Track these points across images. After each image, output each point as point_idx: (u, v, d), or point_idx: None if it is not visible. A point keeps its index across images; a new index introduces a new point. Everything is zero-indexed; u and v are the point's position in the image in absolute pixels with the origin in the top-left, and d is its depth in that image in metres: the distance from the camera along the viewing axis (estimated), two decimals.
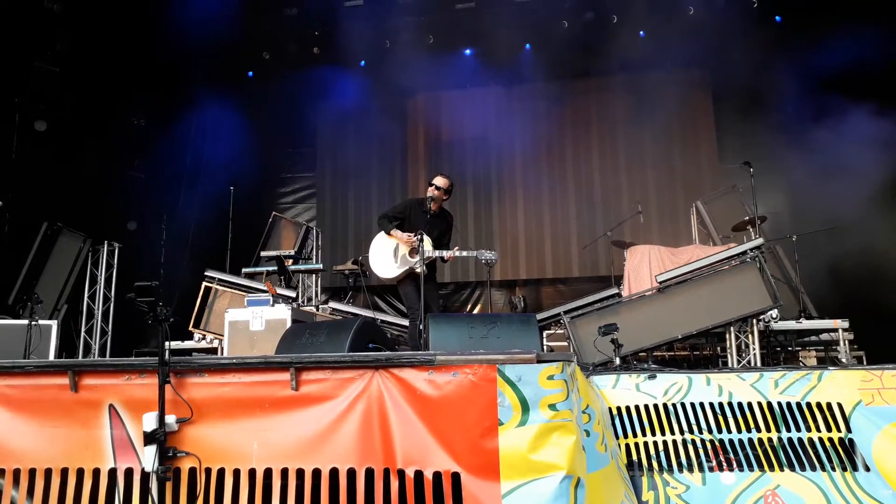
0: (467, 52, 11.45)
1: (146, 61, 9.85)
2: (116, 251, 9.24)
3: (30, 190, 8.41)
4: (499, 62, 11.03)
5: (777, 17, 10.04)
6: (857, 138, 8.49)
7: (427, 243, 5.91)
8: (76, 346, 8.73)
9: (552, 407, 3.01)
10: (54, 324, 7.21)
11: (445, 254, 5.92)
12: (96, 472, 3.31)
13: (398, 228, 6.19)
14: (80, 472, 3.32)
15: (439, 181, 6.19)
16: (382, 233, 6.27)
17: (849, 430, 3.69)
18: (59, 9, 8.82)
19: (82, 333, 8.85)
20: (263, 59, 11.33)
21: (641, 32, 10.47)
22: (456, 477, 3.00)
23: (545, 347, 6.95)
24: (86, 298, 8.99)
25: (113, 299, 9.14)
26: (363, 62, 11.55)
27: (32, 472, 3.35)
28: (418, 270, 5.82)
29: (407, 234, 6.05)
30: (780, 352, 7.37)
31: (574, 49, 10.41)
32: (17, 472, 3.36)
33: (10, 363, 3.58)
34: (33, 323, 6.81)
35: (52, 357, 6.94)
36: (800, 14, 9.65)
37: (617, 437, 3.76)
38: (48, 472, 3.34)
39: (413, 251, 5.92)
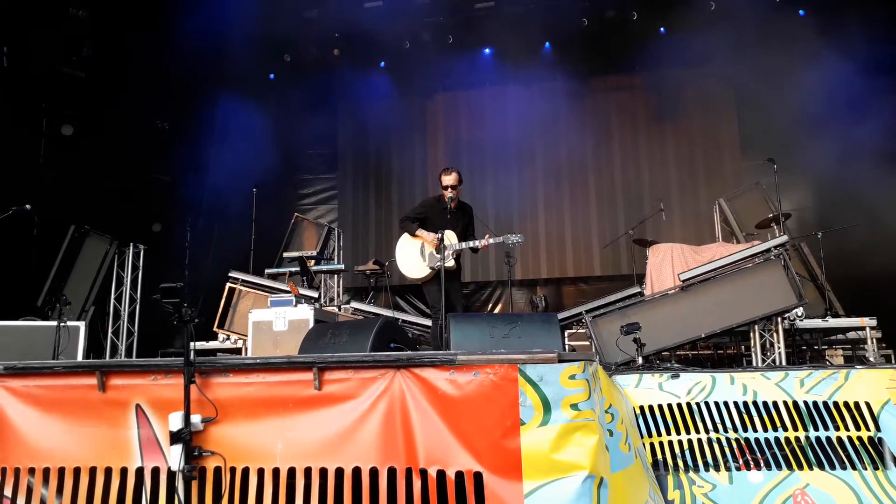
0: (487, 51, 11.46)
1: (170, 65, 9.97)
2: (142, 253, 9.38)
3: (57, 193, 8.54)
4: (518, 61, 11.00)
5: (801, 11, 9.90)
6: (883, 134, 8.35)
7: (453, 237, 5.97)
8: (103, 347, 8.87)
9: (574, 406, 3.00)
10: (82, 325, 7.32)
11: (479, 243, 5.96)
12: (124, 472, 3.36)
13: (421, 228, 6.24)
14: (108, 472, 3.37)
15: (447, 180, 6.18)
16: (406, 234, 6.30)
17: (878, 428, 3.63)
18: (85, 15, 8.96)
19: (109, 334, 8.99)
20: (284, 62, 11.42)
21: (662, 29, 10.40)
22: (478, 477, 3.00)
23: (567, 347, 6.92)
24: (112, 300, 9.12)
25: (139, 300, 9.27)
26: (383, 63, 11.63)
27: (62, 471, 3.41)
28: (449, 265, 5.88)
29: (432, 235, 6.07)
30: (806, 350, 7.28)
31: (594, 47, 10.37)
32: (46, 471, 3.42)
33: (39, 364, 3.65)
34: (62, 324, 6.91)
35: (80, 358, 7.04)
36: (824, 7, 9.51)
37: (641, 437, 3.74)
38: (77, 471, 3.39)
39: (443, 247, 5.94)
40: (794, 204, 9.38)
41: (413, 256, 6.22)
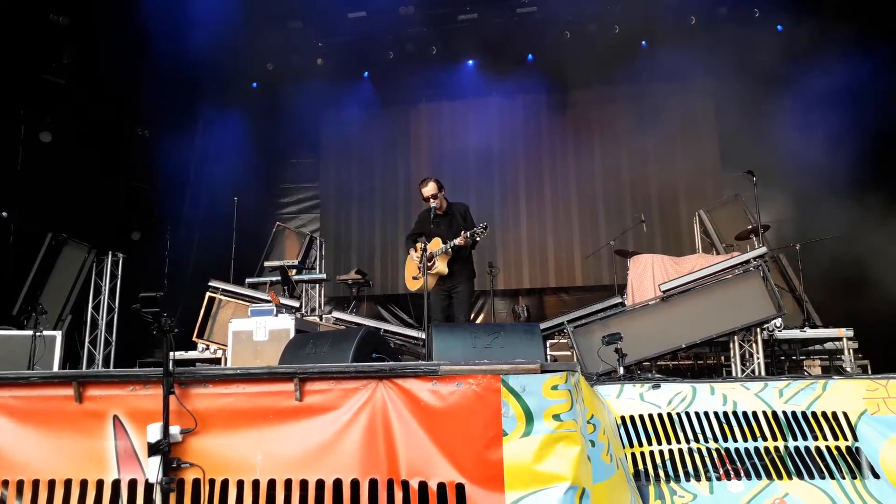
0: (470, 62, 11.52)
1: (151, 73, 9.90)
2: (121, 262, 9.25)
3: (35, 201, 8.43)
4: (501, 72, 11.08)
5: (779, 26, 10.06)
6: (859, 147, 8.49)
7: (439, 244, 6.08)
8: (80, 357, 8.73)
9: (556, 417, 3.00)
10: (59, 334, 7.21)
11: (456, 241, 6.02)
12: (100, 484, 3.31)
13: (420, 241, 6.36)
14: (84, 484, 3.32)
15: (424, 192, 6.27)
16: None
17: (855, 438, 3.67)
18: (66, 21, 8.88)
19: (86, 344, 8.85)
20: (268, 71, 11.40)
21: (643, 42, 10.51)
22: (460, 488, 2.99)
23: (549, 357, 6.93)
24: (90, 309, 8.99)
25: (117, 310, 9.15)
26: (366, 73, 11.65)
27: (36, 484, 3.35)
28: (436, 270, 6.03)
29: (416, 253, 6.20)
30: (785, 361, 7.34)
31: (576, 59, 10.44)
32: (20, 484, 3.36)
33: (14, 374, 3.59)
34: (38, 334, 6.81)
35: (56, 368, 6.93)
36: (801, 23, 9.67)
37: (622, 447, 3.75)
38: (52, 484, 3.34)
39: (430, 258, 6.06)
40: (773, 216, 9.49)
41: (411, 269, 6.36)
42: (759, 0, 9.85)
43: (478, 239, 6.07)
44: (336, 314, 7.89)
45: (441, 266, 6.08)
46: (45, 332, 6.94)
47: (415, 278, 6.21)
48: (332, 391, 3.23)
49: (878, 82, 8.76)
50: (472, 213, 6.54)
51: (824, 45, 9.16)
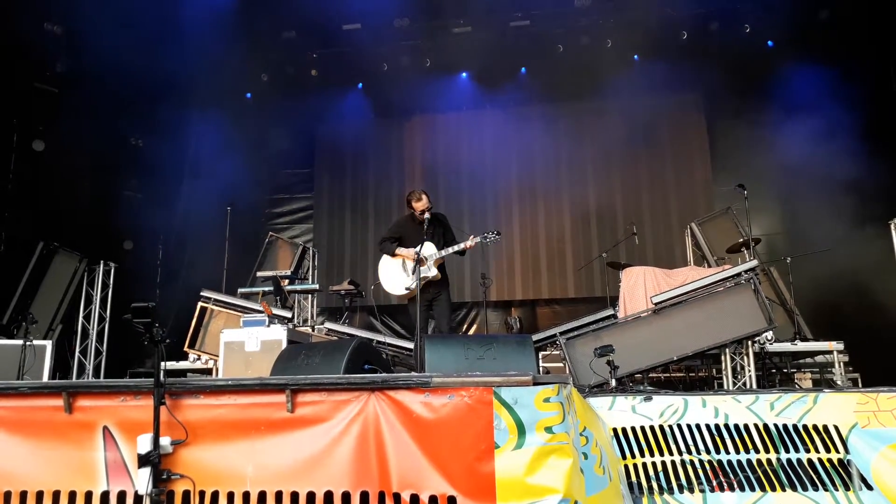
0: (464, 74, 11.56)
1: (145, 82, 9.89)
2: (112, 271, 9.20)
3: (26, 209, 8.39)
4: (495, 85, 11.13)
5: (769, 42, 10.15)
6: (850, 160, 8.56)
7: (431, 248, 6.08)
8: (70, 367, 8.67)
9: (548, 430, 3.00)
10: (49, 344, 7.17)
11: (465, 244, 6.02)
12: (88, 495, 3.28)
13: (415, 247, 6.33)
14: (73, 495, 3.29)
15: (419, 205, 6.26)
16: (385, 255, 6.32)
17: (847, 451, 3.69)
18: (60, 30, 8.88)
19: (77, 353, 8.78)
20: (262, 81, 11.40)
21: (635, 56, 10.59)
22: (452, 501, 2.98)
23: (541, 369, 6.93)
24: (81, 318, 8.92)
25: (108, 319, 9.08)
26: (361, 84, 11.68)
27: (24, 495, 3.32)
28: (432, 274, 6.02)
29: (411, 250, 6.18)
30: (776, 374, 7.36)
31: (569, 72, 10.51)
32: (8, 495, 3.33)
33: (4, 384, 3.57)
34: (28, 343, 6.77)
35: (46, 377, 6.89)
36: (791, 39, 9.77)
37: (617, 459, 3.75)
38: (40, 495, 3.31)
39: (420, 262, 6.01)
40: (764, 229, 9.54)
41: (395, 274, 6.33)
42: (750, 16, 9.93)
43: (486, 244, 6.05)
44: (328, 325, 7.88)
45: (434, 271, 6.08)
46: (35, 342, 6.92)
47: (408, 288, 6.17)
48: (324, 403, 3.22)
49: (868, 97, 8.85)
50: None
51: (814, 61, 9.25)
